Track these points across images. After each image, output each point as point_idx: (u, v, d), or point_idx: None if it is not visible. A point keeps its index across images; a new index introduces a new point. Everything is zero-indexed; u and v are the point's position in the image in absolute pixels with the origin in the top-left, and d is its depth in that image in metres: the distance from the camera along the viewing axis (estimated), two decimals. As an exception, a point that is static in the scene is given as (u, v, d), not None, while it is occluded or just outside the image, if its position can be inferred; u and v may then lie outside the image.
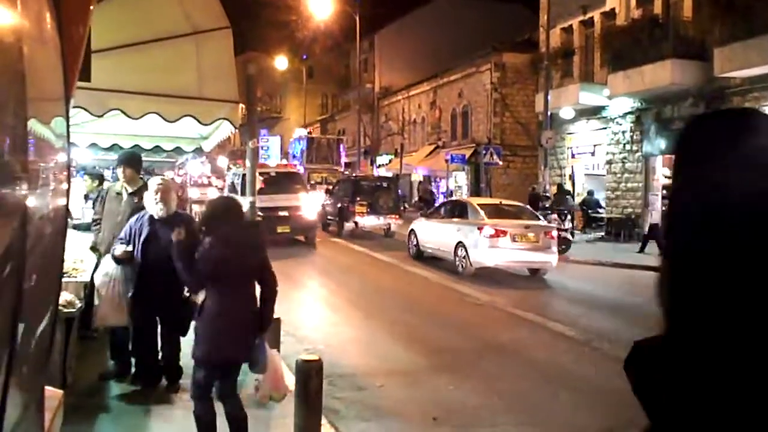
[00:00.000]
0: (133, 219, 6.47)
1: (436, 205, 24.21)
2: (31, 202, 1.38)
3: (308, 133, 45.83)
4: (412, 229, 18.93)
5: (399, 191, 27.05)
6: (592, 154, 26.75)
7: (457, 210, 17.12)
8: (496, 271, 15.53)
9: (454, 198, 27.67)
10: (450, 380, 7.74)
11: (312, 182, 31.87)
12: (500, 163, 28.68)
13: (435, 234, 17.47)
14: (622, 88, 22.49)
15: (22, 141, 1.22)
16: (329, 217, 25.26)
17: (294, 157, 37.76)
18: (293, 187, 21.32)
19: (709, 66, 19.46)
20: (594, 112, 25.67)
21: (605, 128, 25.40)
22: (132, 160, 7.25)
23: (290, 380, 6.37)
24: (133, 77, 5.27)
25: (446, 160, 29.85)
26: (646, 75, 21.11)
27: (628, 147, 24.20)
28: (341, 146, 37.84)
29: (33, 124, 1.35)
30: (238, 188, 19.49)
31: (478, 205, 16.59)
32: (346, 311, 11.94)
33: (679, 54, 20.22)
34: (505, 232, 14.90)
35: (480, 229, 15.06)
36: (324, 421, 5.56)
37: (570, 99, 25.59)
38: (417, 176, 41.33)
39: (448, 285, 14.53)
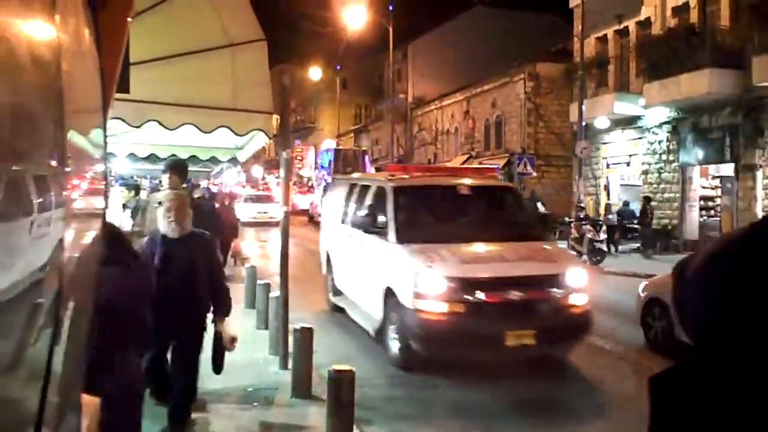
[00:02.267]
0: (145, 239, 5.88)
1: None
2: (71, 211, 1.40)
3: (336, 144, 46.93)
4: None
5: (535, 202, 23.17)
6: (628, 164, 26.45)
7: None
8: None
9: None
10: (482, 389, 7.68)
11: None
12: (534, 173, 28.45)
13: None
14: (658, 97, 22.23)
15: (61, 153, 1.25)
16: None
17: (322, 167, 39.62)
18: (521, 226, 10.18)
19: (747, 75, 19.16)
20: (629, 121, 25.40)
21: (641, 138, 25.11)
22: (178, 167, 7.18)
23: (323, 389, 6.40)
24: (170, 89, 5.34)
25: (480, 170, 29.67)
26: (682, 84, 20.84)
27: (664, 157, 23.89)
28: (366, 157, 39.73)
29: (72, 136, 1.38)
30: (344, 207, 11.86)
31: None
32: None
33: (716, 63, 19.92)
34: None
35: None
36: (356, 430, 5.56)
37: (605, 109, 25.35)
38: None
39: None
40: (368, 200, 10.38)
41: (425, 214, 9.83)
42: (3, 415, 1.09)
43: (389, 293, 8.76)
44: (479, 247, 9.01)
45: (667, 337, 9.24)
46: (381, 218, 9.57)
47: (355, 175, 18.41)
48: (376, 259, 9.48)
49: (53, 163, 1.22)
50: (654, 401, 1.05)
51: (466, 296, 7.96)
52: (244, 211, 31.29)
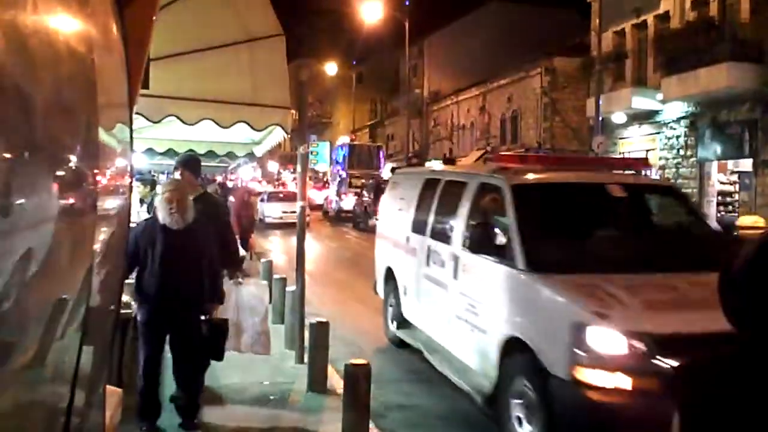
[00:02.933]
0: (138, 228, 5.51)
1: None
2: (99, 207, 1.43)
3: (351, 140, 47.24)
4: None
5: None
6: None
7: None
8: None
9: None
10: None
11: (353, 187, 34.73)
12: (550, 168, 28.36)
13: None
14: (676, 91, 22.03)
15: (94, 147, 1.27)
16: None
17: (337, 162, 39.97)
18: (702, 246, 6.86)
19: (767, 69, 18.95)
20: (647, 116, 25.20)
21: (658, 133, 24.92)
22: (190, 162, 6.76)
23: (338, 384, 6.43)
24: (189, 84, 5.39)
25: (495, 166, 29.55)
26: (701, 78, 20.64)
27: (682, 152, 23.70)
28: (381, 152, 40.40)
29: (102, 131, 1.40)
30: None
31: None
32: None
33: (735, 57, 19.70)
34: None
35: None
36: (372, 425, 5.58)
37: (622, 103, 25.16)
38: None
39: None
40: (465, 204, 7.37)
41: (568, 227, 6.70)
42: (37, 407, 1.12)
43: (513, 347, 5.73)
44: (661, 281, 5.82)
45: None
46: (496, 233, 6.49)
47: (435, 165, 13.47)
48: (488, 292, 6.40)
49: (86, 156, 1.24)
50: (684, 390, 1.10)
51: (664, 364, 4.75)
52: (268, 211, 30.17)
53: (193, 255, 5.44)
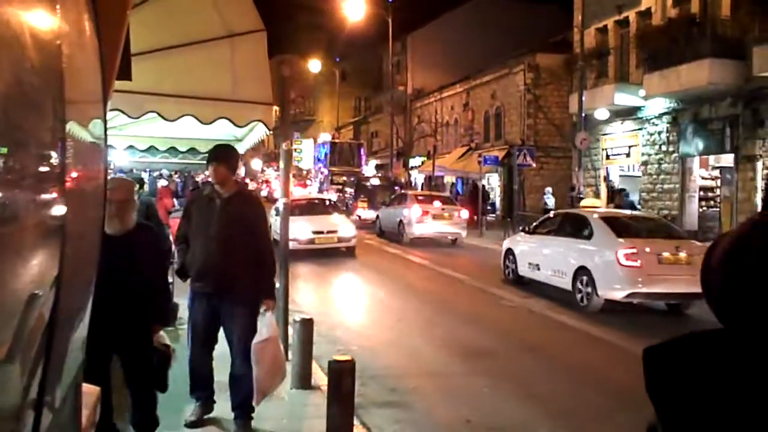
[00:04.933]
0: None
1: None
2: (70, 204, 1.40)
3: (332, 138, 47.70)
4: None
5: None
6: (627, 155, 26.42)
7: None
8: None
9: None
10: (484, 383, 7.70)
11: (335, 184, 35.73)
12: (534, 164, 28.46)
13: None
14: (658, 88, 22.19)
15: (61, 143, 1.24)
16: None
17: (319, 160, 40.42)
18: None
19: (748, 65, 19.10)
20: (629, 112, 25.36)
21: (641, 129, 25.08)
22: (225, 155, 5.79)
23: (323, 380, 6.42)
24: (170, 80, 5.33)
25: (479, 162, 29.72)
26: (682, 75, 20.79)
27: (664, 148, 23.86)
28: (362, 150, 41.17)
29: (71, 126, 1.38)
30: None
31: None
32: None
33: (716, 53, 19.86)
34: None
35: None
36: (356, 421, 5.57)
37: (605, 100, 25.30)
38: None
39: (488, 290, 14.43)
40: None
41: None
42: (2, 402, 1.09)
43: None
44: None
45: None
46: None
47: None
48: None
49: (53, 152, 1.21)
50: (648, 372, 1.15)
51: None
52: (292, 232, 15.28)
53: (131, 266, 4.68)
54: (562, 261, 12.88)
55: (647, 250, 11.53)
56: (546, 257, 13.59)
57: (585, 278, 12.03)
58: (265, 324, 5.60)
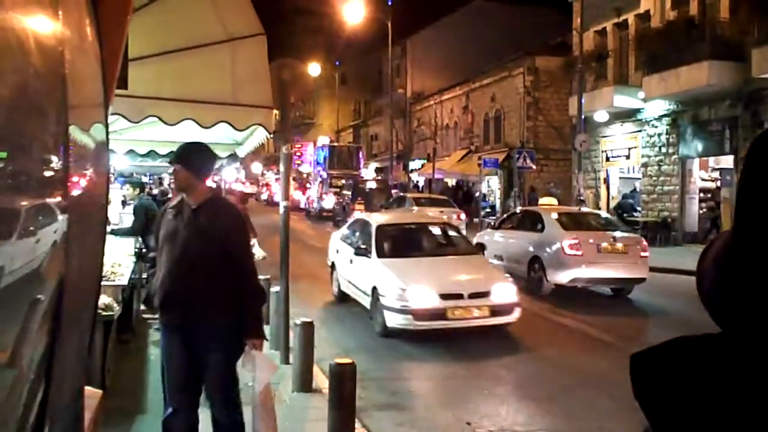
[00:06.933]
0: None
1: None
2: (72, 208, 1.41)
3: (330, 141, 47.93)
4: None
5: None
6: (627, 157, 26.45)
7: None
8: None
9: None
10: (485, 385, 7.70)
11: (333, 186, 35.97)
12: (534, 167, 28.47)
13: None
14: (657, 90, 22.21)
15: (64, 147, 1.25)
16: None
17: (318, 163, 41.09)
18: None
19: (747, 67, 19.13)
20: (629, 114, 25.38)
21: (640, 131, 25.09)
22: (187, 154, 4.81)
23: (324, 384, 6.42)
24: (170, 84, 5.34)
25: (479, 165, 29.76)
26: (682, 77, 20.82)
27: (663, 150, 23.88)
28: (360, 153, 41.44)
29: (73, 131, 1.39)
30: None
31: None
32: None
33: (715, 55, 19.89)
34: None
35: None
36: (357, 424, 5.57)
37: (604, 102, 25.33)
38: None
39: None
40: None
41: None
42: (5, 407, 1.11)
43: None
44: None
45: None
46: None
47: None
48: None
49: (55, 156, 1.23)
50: (635, 378, 1.14)
51: None
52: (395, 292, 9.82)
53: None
54: (520, 251, 14.39)
55: (590, 241, 13.03)
56: (507, 249, 15.11)
57: (537, 266, 13.61)
58: (259, 365, 4.58)
